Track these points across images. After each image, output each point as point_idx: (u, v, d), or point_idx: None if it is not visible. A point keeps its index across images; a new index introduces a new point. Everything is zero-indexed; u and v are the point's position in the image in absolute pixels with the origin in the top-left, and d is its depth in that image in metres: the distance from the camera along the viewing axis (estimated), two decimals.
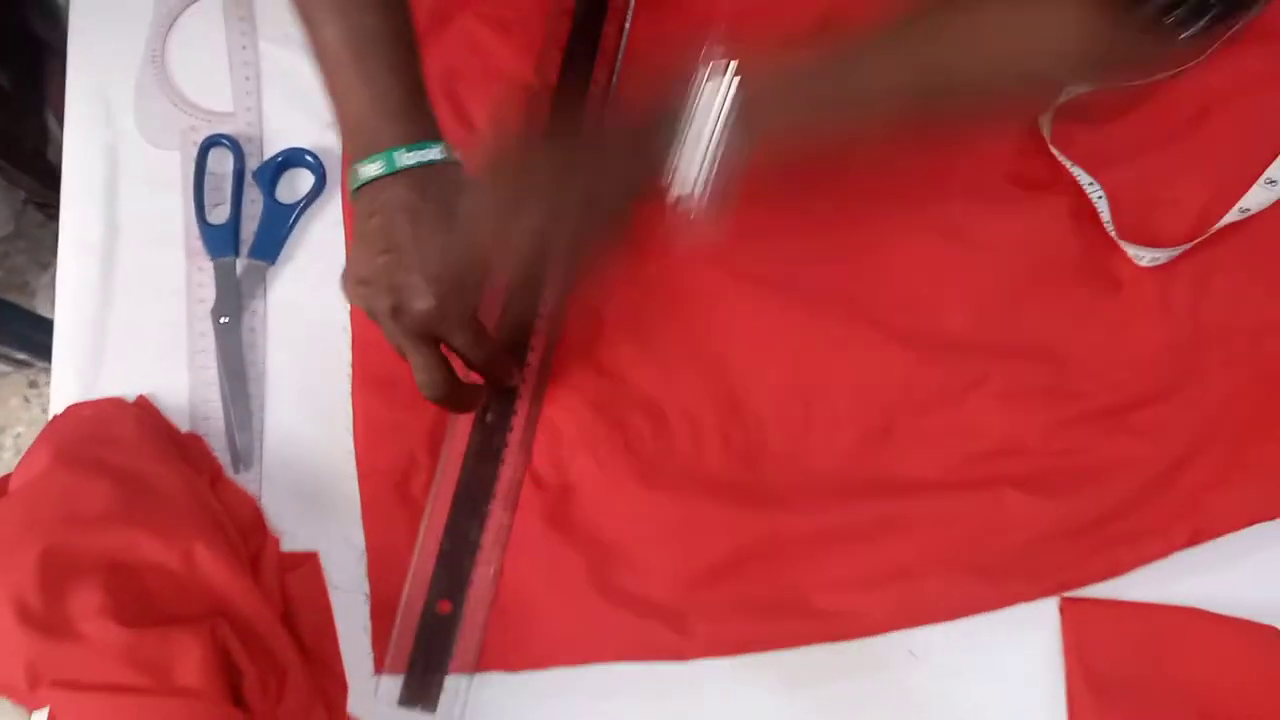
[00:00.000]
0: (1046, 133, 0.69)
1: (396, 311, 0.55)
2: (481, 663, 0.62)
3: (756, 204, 0.68)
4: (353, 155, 0.56)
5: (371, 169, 0.55)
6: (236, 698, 0.53)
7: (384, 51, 0.55)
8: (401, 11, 0.57)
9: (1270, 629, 0.64)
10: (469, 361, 0.60)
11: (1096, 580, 0.63)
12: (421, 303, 0.54)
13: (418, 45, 0.58)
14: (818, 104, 0.53)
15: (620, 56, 0.71)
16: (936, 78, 0.52)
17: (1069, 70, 0.52)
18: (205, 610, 0.55)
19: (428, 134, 0.56)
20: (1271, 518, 0.64)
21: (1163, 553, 0.64)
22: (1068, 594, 0.64)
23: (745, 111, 0.52)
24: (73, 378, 0.67)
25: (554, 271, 0.59)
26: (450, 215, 0.54)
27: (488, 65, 0.71)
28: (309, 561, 0.64)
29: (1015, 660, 0.63)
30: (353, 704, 0.61)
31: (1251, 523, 0.64)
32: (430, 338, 0.56)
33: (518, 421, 0.65)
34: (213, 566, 0.56)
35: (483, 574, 0.63)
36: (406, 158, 0.54)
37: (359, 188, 0.56)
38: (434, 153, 0.55)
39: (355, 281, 0.56)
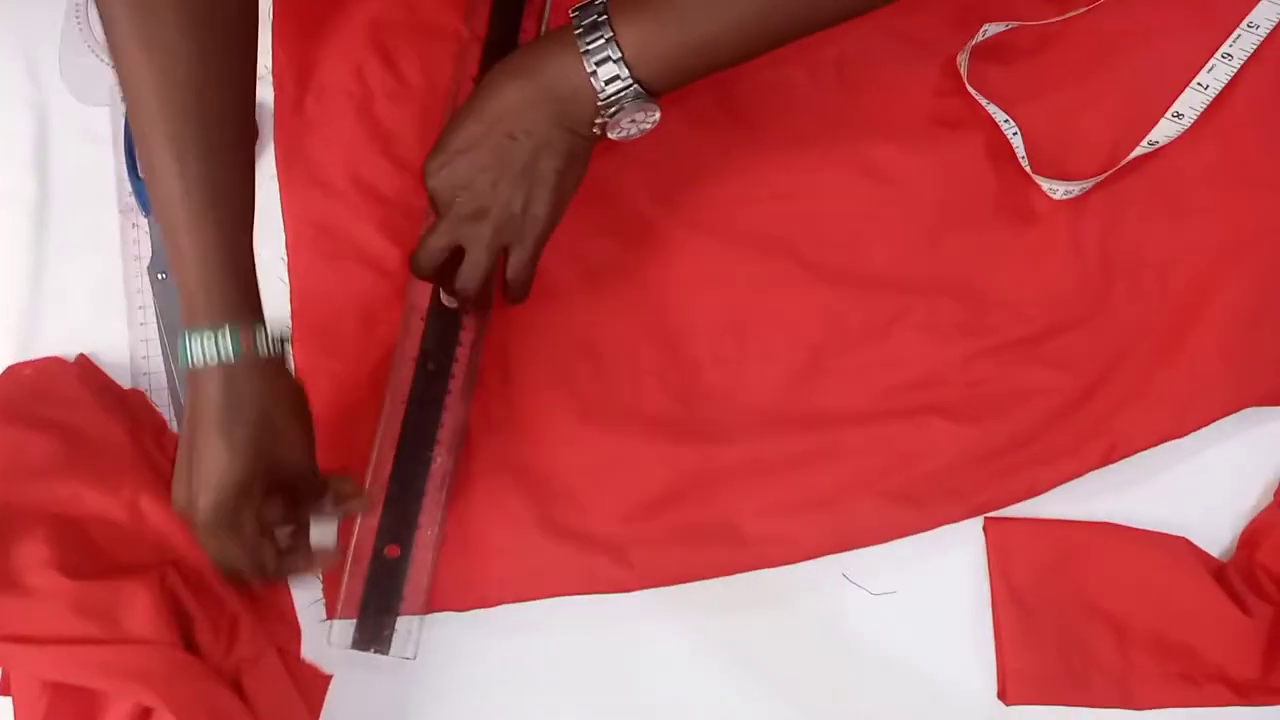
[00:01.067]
0: (964, 71, 0.72)
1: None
2: (432, 603, 0.64)
3: (685, 150, 0.70)
4: (184, 319, 0.55)
5: (196, 347, 0.54)
6: (188, 643, 0.54)
7: (214, 209, 0.54)
8: (233, 174, 0.56)
9: (1180, 539, 0.68)
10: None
11: (1017, 500, 0.67)
12: (197, 519, 0.55)
13: (252, 199, 0.57)
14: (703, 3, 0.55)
15: (548, 4, 0.72)
16: None
17: None
18: (153, 560, 0.56)
19: (235, 315, 0.55)
20: (1177, 436, 0.68)
21: (1078, 472, 0.67)
22: (991, 514, 0.67)
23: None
24: (11, 338, 0.67)
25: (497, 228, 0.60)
26: (225, 426, 0.54)
27: (416, 18, 0.71)
28: None
29: (943, 579, 0.67)
30: (306, 649, 0.63)
31: (1160, 441, 0.67)
32: (227, 527, 0.56)
33: (458, 369, 0.67)
34: (159, 517, 0.57)
35: (429, 518, 0.65)
36: (201, 346, 0.54)
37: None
38: (225, 340, 0.54)
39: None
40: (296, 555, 0.59)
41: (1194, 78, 0.73)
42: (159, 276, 0.67)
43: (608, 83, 0.57)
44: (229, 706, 0.53)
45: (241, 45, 0.57)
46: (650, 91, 0.58)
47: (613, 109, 0.58)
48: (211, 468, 0.54)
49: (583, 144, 0.60)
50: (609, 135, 0.60)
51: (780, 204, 0.70)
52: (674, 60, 0.57)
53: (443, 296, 0.66)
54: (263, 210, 0.67)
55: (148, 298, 0.67)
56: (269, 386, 0.56)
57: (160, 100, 0.53)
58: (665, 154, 0.69)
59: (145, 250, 0.68)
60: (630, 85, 0.57)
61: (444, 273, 0.63)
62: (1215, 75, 0.73)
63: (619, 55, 0.56)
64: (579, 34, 0.57)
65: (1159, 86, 0.73)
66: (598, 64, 0.56)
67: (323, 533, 0.62)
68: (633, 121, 0.59)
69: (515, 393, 0.67)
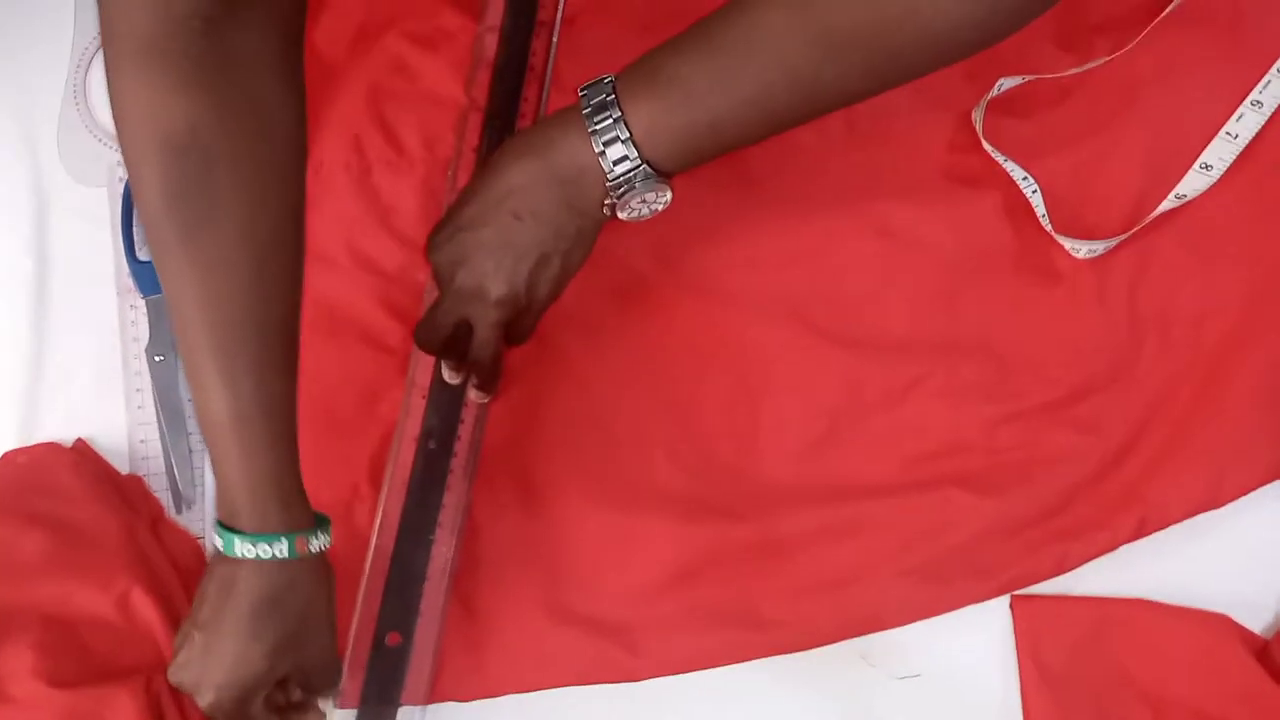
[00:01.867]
0: (979, 127, 0.69)
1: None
2: (434, 693, 0.62)
3: (691, 212, 0.68)
4: (220, 514, 0.54)
5: (226, 543, 0.53)
6: None
7: (264, 427, 0.53)
8: (283, 379, 0.54)
9: (1219, 616, 0.64)
10: None
11: (1046, 577, 0.64)
12: (202, 700, 0.54)
13: (295, 418, 0.55)
14: (712, 79, 0.53)
15: (549, 73, 0.71)
16: (827, 36, 0.51)
17: (967, 30, 0.52)
18: (142, 660, 0.55)
19: (290, 523, 0.54)
20: (1215, 506, 0.64)
21: (1110, 546, 0.64)
22: (1018, 591, 0.64)
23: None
24: (9, 420, 0.66)
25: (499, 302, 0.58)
26: (259, 622, 0.53)
27: (416, 85, 0.70)
28: None
29: (969, 661, 0.64)
30: None
31: (1195, 512, 0.64)
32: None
33: (461, 446, 0.65)
34: (149, 613, 0.56)
35: (431, 604, 0.63)
36: (253, 549, 0.53)
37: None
38: (281, 549, 0.53)
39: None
40: (299, 715, 0.58)
41: (1222, 126, 0.70)
42: (156, 359, 0.66)
43: (616, 163, 0.55)
44: None
45: (294, 241, 0.55)
46: (660, 172, 0.56)
47: (622, 190, 0.56)
48: (231, 663, 0.53)
49: (590, 224, 0.58)
50: (619, 216, 0.58)
51: (791, 267, 0.68)
52: (684, 140, 0.55)
53: (444, 372, 0.64)
54: None
55: (145, 380, 0.66)
56: (311, 590, 0.54)
57: (207, 315, 0.51)
58: (670, 216, 0.66)
59: (143, 332, 0.67)
60: (639, 166, 0.55)
61: (449, 347, 0.61)
62: (1245, 124, 0.70)
63: (627, 135, 0.54)
64: (587, 114, 0.55)
65: (1185, 136, 0.70)
66: (606, 144, 0.54)
67: None
68: (643, 202, 0.57)
69: (519, 470, 0.65)
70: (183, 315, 0.52)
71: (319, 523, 0.55)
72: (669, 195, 0.57)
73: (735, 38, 0.53)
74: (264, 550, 0.52)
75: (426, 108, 0.70)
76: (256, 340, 0.52)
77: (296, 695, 0.58)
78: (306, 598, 0.54)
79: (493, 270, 0.58)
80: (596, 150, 0.54)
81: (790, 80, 0.53)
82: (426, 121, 0.70)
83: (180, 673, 0.54)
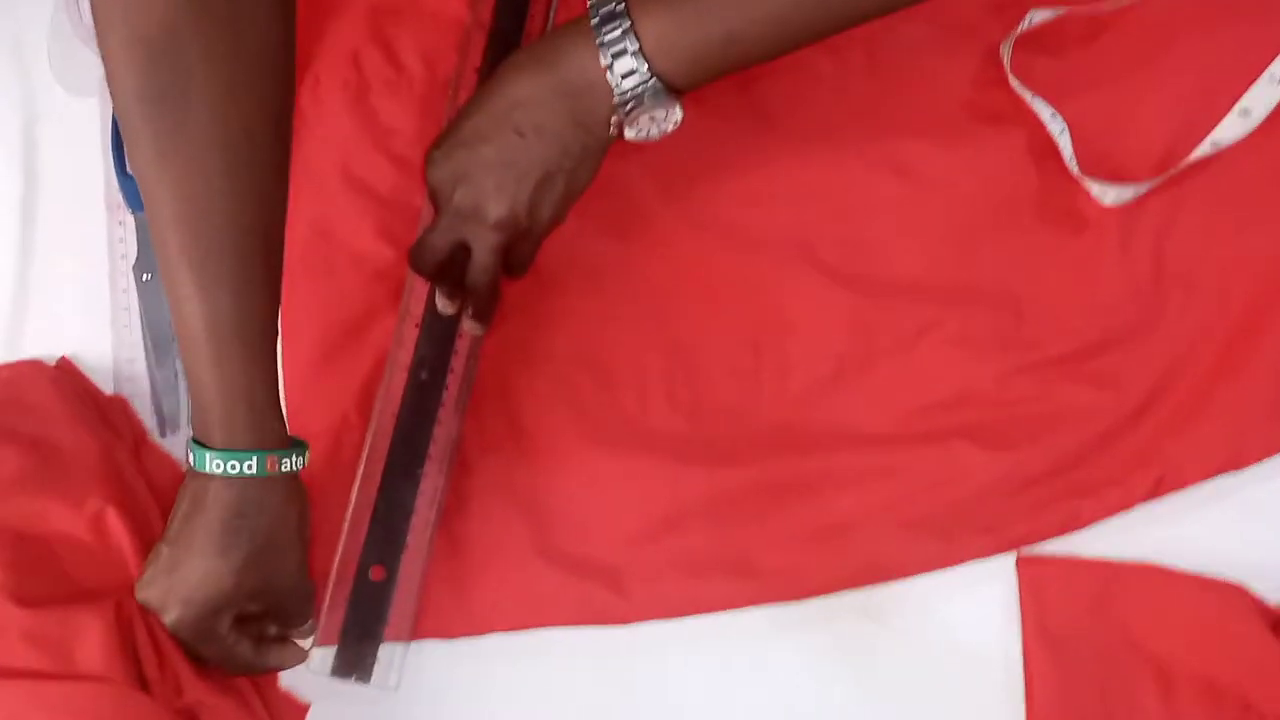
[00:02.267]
0: (1006, 62, 0.66)
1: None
2: (417, 630, 0.61)
3: (697, 141, 0.65)
4: (194, 428, 0.53)
5: (197, 457, 0.52)
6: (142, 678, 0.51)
7: (239, 341, 0.51)
8: (262, 293, 0.52)
9: (1233, 585, 0.62)
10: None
11: (1054, 534, 0.61)
12: (167, 617, 0.53)
13: (274, 335, 0.54)
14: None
15: None
16: None
17: None
18: (113, 582, 0.53)
19: (261, 441, 0.52)
20: (1238, 467, 0.62)
21: (1124, 505, 0.61)
22: (1025, 550, 0.62)
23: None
24: None
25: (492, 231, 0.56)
26: (226, 539, 0.52)
27: (418, 4, 0.67)
28: None
29: (972, 619, 0.62)
30: (283, 676, 0.60)
31: (1217, 473, 0.62)
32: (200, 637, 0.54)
33: (453, 379, 0.63)
34: (122, 535, 0.54)
35: (418, 538, 0.61)
36: (222, 465, 0.51)
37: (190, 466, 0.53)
38: (250, 465, 0.52)
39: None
40: (272, 649, 0.56)
41: (1266, 69, 0.66)
42: (144, 277, 0.64)
43: (624, 77, 0.52)
44: None
45: (276, 151, 0.53)
46: (671, 88, 0.53)
47: (630, 105, 0.53)
48: (197, 580, 0.52)
49: (597, 143, 0.55)
50: (625, 135, 0.55)
51: (801, 203, 0.65)
52: (697, 54, 0.53)
53: (438, 301, 0.62)
54: None
55: (133, 299, 0.64)
56: (280, 509, 0.53)
57: (182, 221, 0.50)
58: (675, 147, 0.63)
59: (131, 249, 0.65)
60: (649, 80, 0.52)
61: (444, 271, 0.59)
62: None
63: (637, 47, 0.52)
64: (595, 24, 0.52)
65: (1225, 79, 0.66)
66: (614, 56, 0.52)
67: None
68: (652, 120, 0.54)
69: (512, 406, 0.63)
70: (158, 220, 0.50)
71: (294, 445, 0.54)
72: (679, 114, 0.55)
73: None
74: (232, 466, 0.51)
75: (429, 25, 0.67)
76: (233, 251, 0.50)
77: (273, 631, 0.56)
78: (276, 518, 0.53)
79: (493, 189, 0.55)
80: (604, 62, 0.52)
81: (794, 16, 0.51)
82: (428, 39, 0.67)
83: (146, 589, 0.53)
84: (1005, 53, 0.66)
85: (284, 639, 0.57)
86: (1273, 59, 0.66)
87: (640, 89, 0.53)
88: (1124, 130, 0.66)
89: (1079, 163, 0.65)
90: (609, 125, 0.54)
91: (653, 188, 0.65)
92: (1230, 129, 0.65)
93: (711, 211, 0.65)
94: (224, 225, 0.50)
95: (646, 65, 0.52)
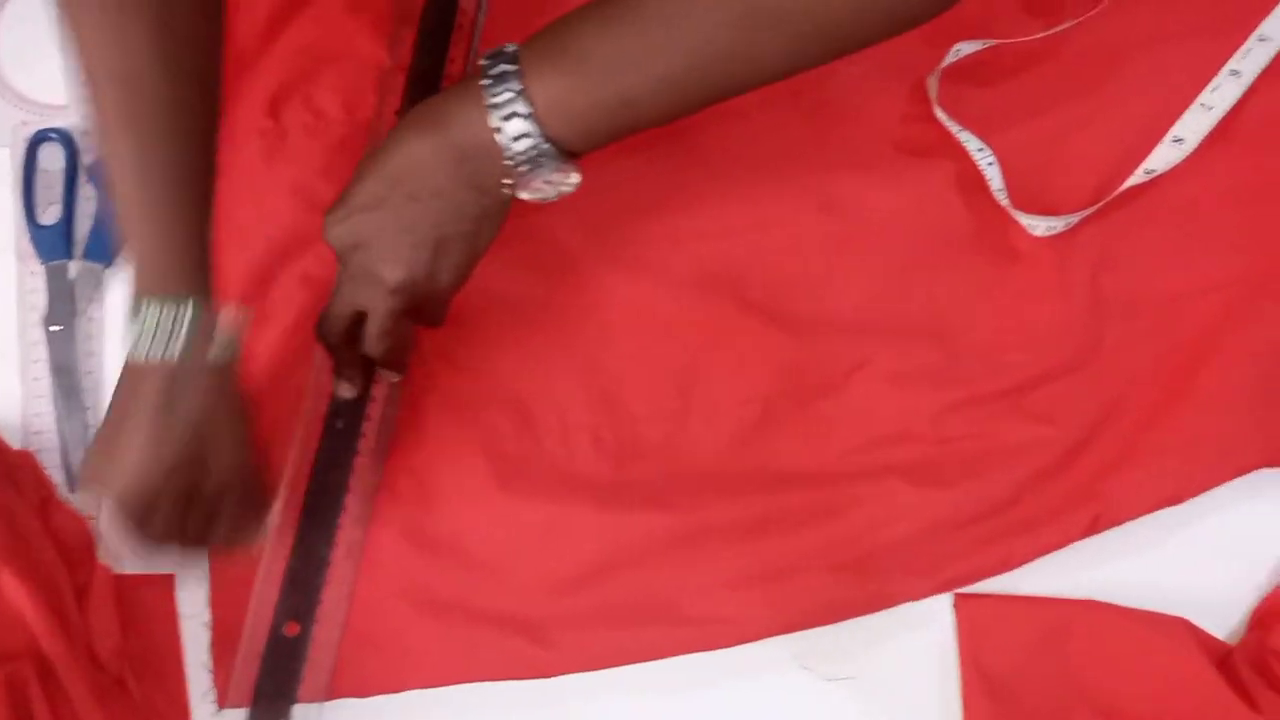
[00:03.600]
0: (933, 94, 0.65)
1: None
2: (333, 689, 0.58)
3: (621, 179, 0.64)
4: (134, 289, 0.52)
5: (145, 318, 0.51)
6: None
7: (171, 193, 0.51)
8: (199, 143, 0.52)
9: (1178, 620, 0.60)
10: None
11: (990, 574, 0.60)
12: (109, 497, 0.52)
13: (213, 186, 0.53)
14: (626, 55, 0.49)
15: (479, 30, 0.67)
16: (752, 11, 0.48)
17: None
18: (10, 646, 0.51)
19: (195, 290, 0.51)
20: (1175, 502, 0.60)
21: (1061, 542, 0.60)
22: (961, 590, 0.60)
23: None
24: None
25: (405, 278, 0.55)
26: (159, 425, 0.51)
27: (336, 47, 0.66)
28: (159, 584, 0.60)
29: (908, 664, 0.60)
30: None
31: (1154, 508, 0.60)
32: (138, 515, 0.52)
33: (370, 428, 0.61)
34: (19, 598, 0.52)
35: (334, 593, 0.59)
36: (164, 317, 0.50)
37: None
38: (183, 323, 0.51)
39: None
40: (220, 533, 0.55)
41: (1197, 97, 0.65)
42: (53, 329, 0.63)
43: (515, 140, 0.50)
44: None
45: (209, 33, 0.53)
46: (565, 151, 0.51)
47: (523, 168, 0.51)
48: (134, 458, 0.50)
49: (495, 204, 0.54)
50: (521, 197, 0.53)
51: (728, 241, 0.64)
52: (592, 119, 0.51)
53: (337, 386, 0.60)
54: None
55: (42, 351, 0.63)
56: (213, 392, 0.52)
57: (120, 86, 0.49)
58: (599, 184, 0.62)
59: (41, 300, 0.63)
60: (541, 144, 0.50)
61: (352, 339, 0.57)
62: (1222, 94, 0.65)
63: (528, 110, 0.50)
64: (486, 85, 0.50)
65: (1157, 108, 0.65)
66: (504, 119, 0.50)
67: None
68: (548, 183, 0.53)
69: (429, 453, 0.61)
70: (93, 80, 0.50)
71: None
72: (576, 177, 0.53)
73: (653, 11, 0.48)
74: (160, 314, 0.50)
75: (347, 69, 0.66)
76: (168, 109, 0.50)
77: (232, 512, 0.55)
78: (210, 405, 0.51)
79: (389, 255, 0.54)
80: (494, 125, 0.50)
81: (710, 57, 0.49)
82: (347, 83, 0.66)
83: (86, 479, 0.53)
84: (932, 86, 0.65)
85: (245, 520, 0.55)
86: (1203, 87, 0.66)
87: (533, 152, 0.51)
88: (1056, 161, 0.65)
89: (1012, 195, 0.64)
90: (503, 187, 0.53)
91: (576, 228, 0.64)
92: (1163, 157, 0.64)
93: (636, 252, 0.64)
94: (158, 83, 0.50)
95: (539, 129, 0.50)
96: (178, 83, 0.50)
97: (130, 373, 0.51)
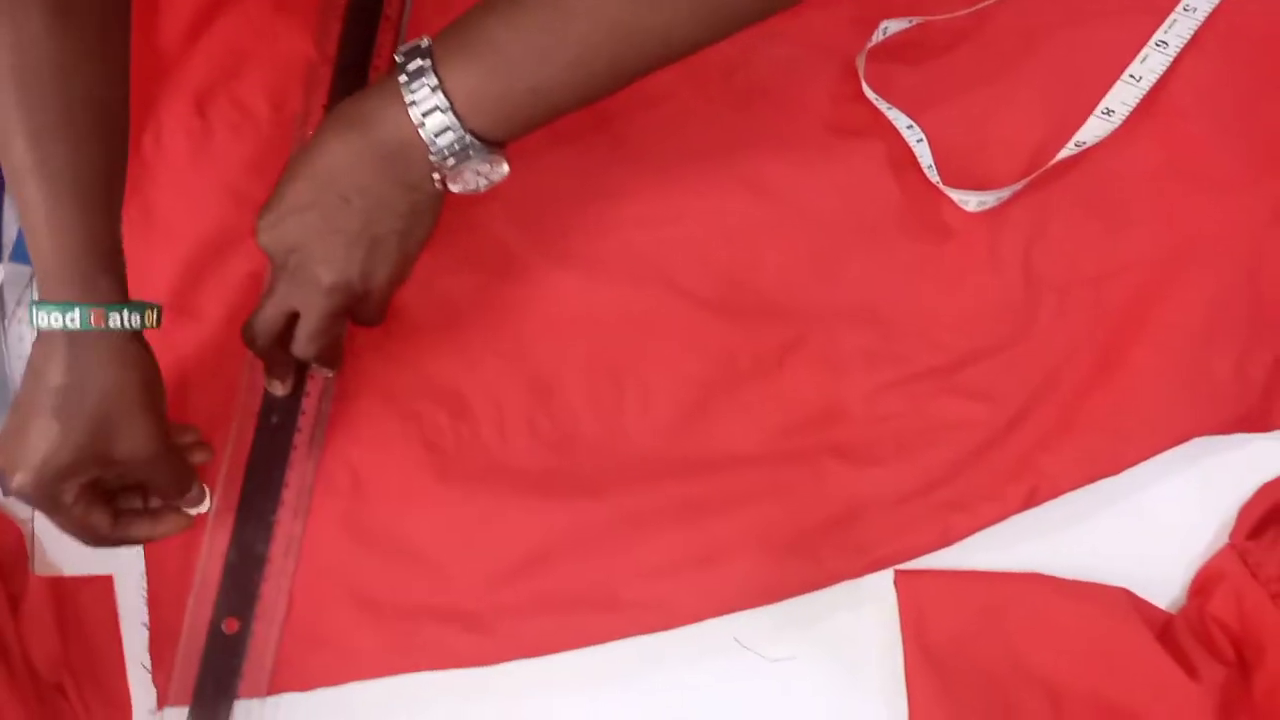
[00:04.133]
0: (861, 74, 0.65)
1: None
2: (274, 684, 0.58)
3: (551, 170, 0.64)
4: (39, 291, 0.52)
5: (42, 318, 0.51)
6: None
7: (72, 193, 0.51)
8: (100, 150, 0.52)
9: (1119, 590, 0.60)
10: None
11: (929, 550, 0.60)
12: (13, 484, 0.52)
13: (122, 180, 0.53)
14: (528, 42, 0.49)
15: (406, 19, 0.66)
16: None
17: None
18: None
19: (89, 295, 0.51)
20: (1112, 473, 0.60)
21: (998, 517, 0.60)
22: (901, 566, 0.60)
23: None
24: None
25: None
26: (63, 403, 0.51)
27: (262, 41, 0.66)
28: (97, 586, 0.60)
29: (850, 643, 0.60)
30: None
31: (1091, 480, 0.60)
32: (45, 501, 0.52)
33: (305, 421, 0.61)
34: None
35: (273, 588, 0.59)
36: (47, 317, 0.51)
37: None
38: (73, 317, 0.51)
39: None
40: (135, 520, 0.55)
41: (1124, 69, 0.66)
42: None
43: (438, 135, 0.50)
44: None
45: (115, 25, 0.53)
46: (488, 141, 0.51)
47: (449, 162, 0.51)
48: (37, 446, 0.51)
49: (426, 200, 0.53)
50: (451, 189, 0.53)
51: (658, 229, 0.64)
52: (507, 108, 0.50)
53: (269, 383, 0.60)
54: None
55: None
56: (117, 373, 0.52)
57: (16, 80, 0.49)
58: (528, 176, 0.62)
59: None
60: (464, 137, 0.50)
61: (283, 342, 0.57)
62: (1149, 65, 0.66)
63: (448, 105, 0.50)
64: (404, 81, 0.50)
65: (1086, 81, 0.66)
66: (425, 115, 0.50)
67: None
68: (477, 174, 0.52)
69: (364, 446, 0.61)
70: None
71: (132, 304, 0.52)
72: (505, 166, 0.53)
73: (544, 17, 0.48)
74: (55, 319, 0.50)
75: (273, 65, 0.66)
76: (67, 111, 0.50)
77: (155, 503, 0.56)
78: (113, 382, 0.51)
79: (322, 257, 0.54)
80: (416, 121, 0.50)
81: (612, 37, 0.49)
82: (273, 79, 0.65)
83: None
84: (860, 65, 0.65)
85: (164, 509, 0.56)
86: (1130, 60, 0.66)
87: (457, 145, 0.51)
88: (986, 137, 0.65)
89: (942, 173, 0.64)
90: (433, 182, 0.53)
91: (508, 220, 0.64)
92: (1093, 129, 0.65)
93: (568, 243, 0.64)
94: (56, 80, 0.50)
95: (459, 122, 0.50)
96: (77, 78, 0.50)
97: (36, 351, 0.52)
